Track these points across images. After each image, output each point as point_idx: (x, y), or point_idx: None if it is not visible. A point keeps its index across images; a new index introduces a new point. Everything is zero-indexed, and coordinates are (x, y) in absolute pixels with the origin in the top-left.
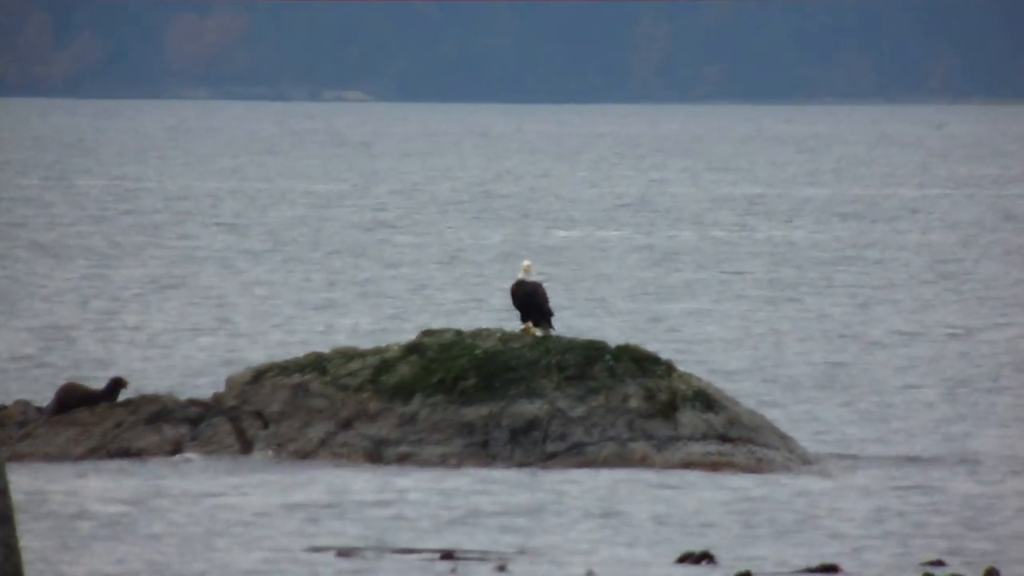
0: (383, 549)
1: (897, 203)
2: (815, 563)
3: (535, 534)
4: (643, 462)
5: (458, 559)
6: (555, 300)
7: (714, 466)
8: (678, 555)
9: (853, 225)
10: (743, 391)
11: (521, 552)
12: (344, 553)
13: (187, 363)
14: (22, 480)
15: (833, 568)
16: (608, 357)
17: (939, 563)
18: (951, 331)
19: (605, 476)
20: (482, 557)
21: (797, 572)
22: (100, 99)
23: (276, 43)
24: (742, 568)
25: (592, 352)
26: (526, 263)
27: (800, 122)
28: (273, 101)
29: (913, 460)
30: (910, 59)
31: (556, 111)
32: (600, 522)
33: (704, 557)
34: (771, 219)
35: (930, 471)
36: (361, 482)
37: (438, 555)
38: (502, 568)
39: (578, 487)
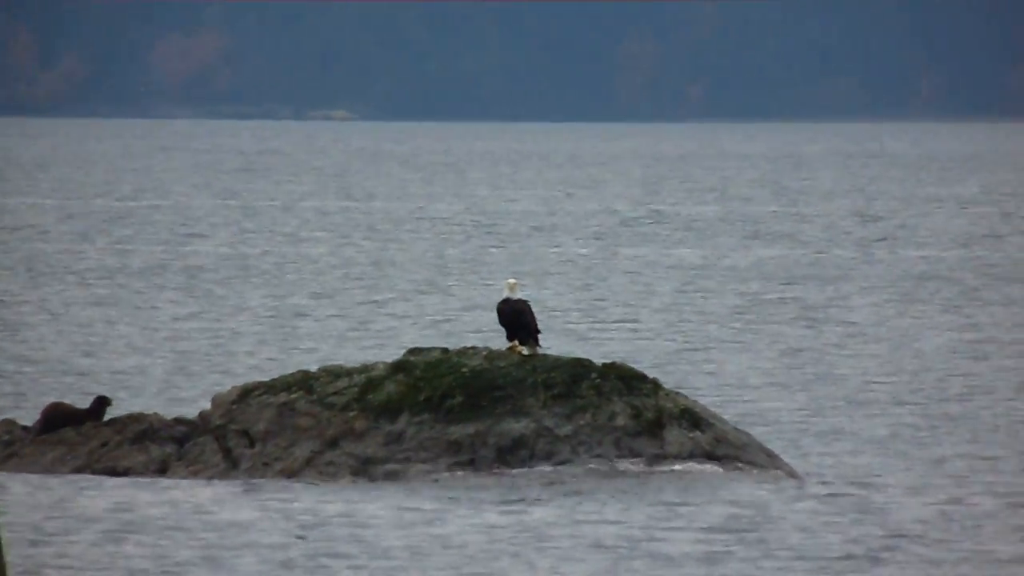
0: None
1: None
2: None
3: (516, 557)
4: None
5: None
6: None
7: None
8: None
9: None
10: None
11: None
12: None
13: (174, 380)
14: (9, 496)
15: None
16: (594, 375)
17: None
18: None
19: (591, 494)
20: None
21: None
22: (84, 118)
23: (261, 62)
24: None
25: (578, 370)
26: (511, 281)
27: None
28: (259, 120)
29: (887, 480)
30: (897, 77)
31: (545, 129)
32: (585, 549)
33: None
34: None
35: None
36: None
37: None
38: None
39: (560, 508)
